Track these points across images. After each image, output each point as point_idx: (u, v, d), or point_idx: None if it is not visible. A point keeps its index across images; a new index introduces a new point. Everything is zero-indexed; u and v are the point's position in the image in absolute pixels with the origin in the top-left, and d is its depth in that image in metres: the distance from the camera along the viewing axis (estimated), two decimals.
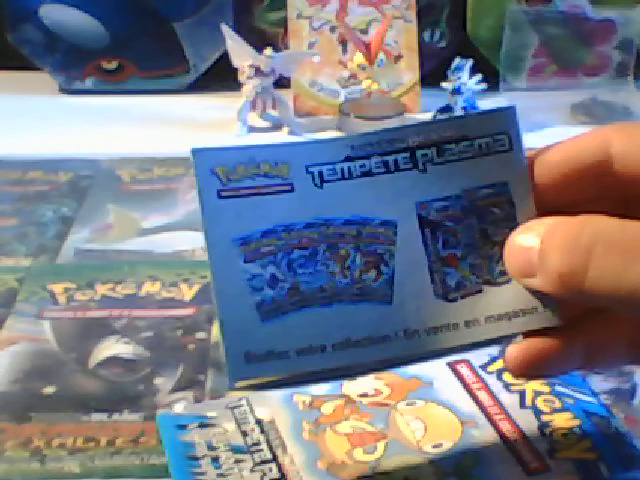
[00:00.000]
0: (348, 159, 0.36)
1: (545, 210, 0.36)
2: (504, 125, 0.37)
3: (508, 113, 0.37)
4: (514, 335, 0.37)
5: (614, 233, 0.33)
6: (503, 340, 0.37)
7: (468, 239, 0.36)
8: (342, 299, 0.35)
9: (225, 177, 0.35)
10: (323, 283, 0.35)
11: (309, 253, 0.35)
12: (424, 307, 0.36)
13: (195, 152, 0.35)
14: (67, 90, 0.89)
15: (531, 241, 0.35)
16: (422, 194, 0.36)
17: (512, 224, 0.36)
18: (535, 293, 0.36)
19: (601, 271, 0.32)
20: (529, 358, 0.36)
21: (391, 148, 0.36)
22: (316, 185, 0.36)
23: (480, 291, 0.36)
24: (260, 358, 0.34)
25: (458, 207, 0.36)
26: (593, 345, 0.36)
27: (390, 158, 0.36)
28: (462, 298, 0.36)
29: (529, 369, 0.36)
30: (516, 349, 0.36)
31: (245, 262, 0.35)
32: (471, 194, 0.37)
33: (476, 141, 0.37)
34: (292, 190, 0.35)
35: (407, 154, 0.36)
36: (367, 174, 0.36)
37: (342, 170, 0.36)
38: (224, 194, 0.35)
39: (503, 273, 0.36)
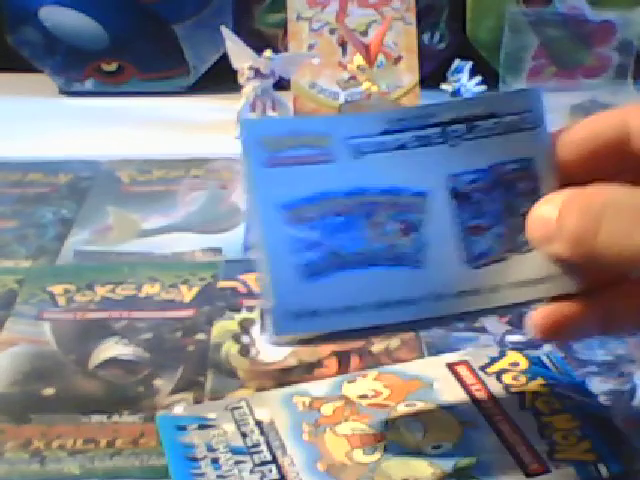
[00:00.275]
0: (385, 133, 0.38)
1: (568, 184, 0.38)
2: (530, 104, 0.39)
3: (534, 93, 0.39)
4: (535, 301, 0.39)
5: (624, 199, 0.35)
6: (525, 305, 0.39)
7: (494, 210, 0.38)
8: (377, 263, 0.37)
9: (271, 147, 0.37)
10: (359, 248, 0.37)
11: (347, 220, 0.37)
12: (452, 272, 0.38)
13: (244, 123, 0.37)
14: (67, 92, 0.89)
15: (551, 211, 0.37)
16: (452, 167, 0.38)
17: (535, 197, 0.38)
18: (555, 261, 0.38)
19: (611, 234, 0.35)
20: (551, 323, 0.38)
21: (424, 123, 0.38)
22: (354, 156, 0.37)
23: (504, 259, 0.38)
24: (301, 315, 0.36)
25: (486, 180, 0.38)
26: (611, 312, 0.39)
27: (423, 133, 0.38)
28: (487, 265, 0.38)
29: (551, 332, 0.39)
30: (539, 314, 0.39)
31: (288, 227, 0.37)
32: (498, 168, 0.39)
33: (504, 118, 0.39)
34: (332, 160, 0.37)
35: (439, 129, 0.38)
36: (402, 147, 0.38)
37: (379, 143, 0.38)
38: (270, 163, 0.37)
39: (526, 242, 0.38)
